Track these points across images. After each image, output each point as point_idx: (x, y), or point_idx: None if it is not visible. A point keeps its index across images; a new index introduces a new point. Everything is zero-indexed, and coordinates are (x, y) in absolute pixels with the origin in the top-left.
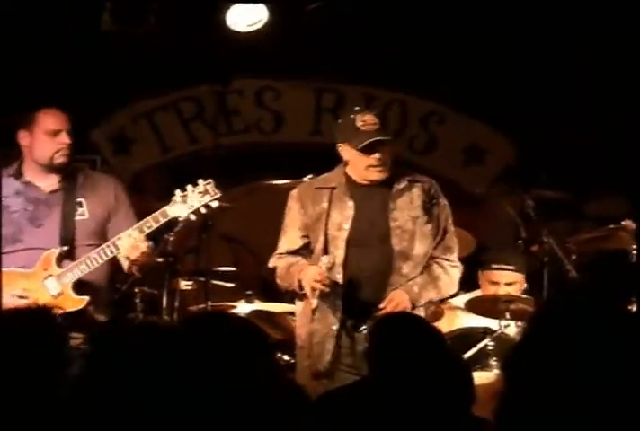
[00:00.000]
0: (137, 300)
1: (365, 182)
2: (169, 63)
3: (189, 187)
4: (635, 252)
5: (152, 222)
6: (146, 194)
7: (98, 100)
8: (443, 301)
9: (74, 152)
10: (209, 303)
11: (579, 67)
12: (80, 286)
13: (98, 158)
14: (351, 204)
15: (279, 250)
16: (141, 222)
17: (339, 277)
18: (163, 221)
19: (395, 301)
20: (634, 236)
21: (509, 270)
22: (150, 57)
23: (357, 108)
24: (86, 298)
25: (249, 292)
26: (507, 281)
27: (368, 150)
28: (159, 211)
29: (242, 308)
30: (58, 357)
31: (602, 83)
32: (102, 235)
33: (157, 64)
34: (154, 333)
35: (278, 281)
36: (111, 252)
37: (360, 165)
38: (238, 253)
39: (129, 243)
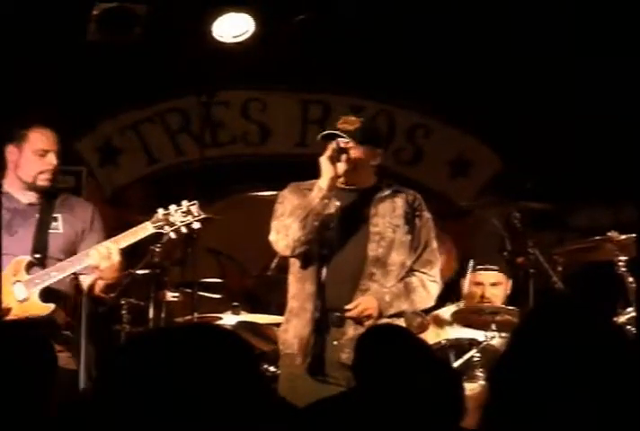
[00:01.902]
0: (124, 311)
1: (342, 185)
2: (155, 74)
3: (172, 206)
4: (620, 264)
5: (130, 236)
6: (129, 207)
7: (84, 110)
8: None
9: (57, 174)
10: (196, 315)
11: (564, 78)
12: (47, 294)
13: (84, 170)
14: (337, 203)
15: (280, 217)
16: (120, 235)
17: (323, 278)
18: (141, 236)
19: (363, 306)
20: (619, 247)
21: (493, 270)
22: (136, 68)
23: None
24: (52, 305)
25: (235, 303)
26: (492, 281)
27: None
28: (140, 226)
29: (228, 319)
30: (48, 373)
31: (589, 94)
32: (72, 253)
33: (143, 74)
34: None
35: (287, 221)
36: (84, 261)
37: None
38: (224, 265)
39: (102, 253)
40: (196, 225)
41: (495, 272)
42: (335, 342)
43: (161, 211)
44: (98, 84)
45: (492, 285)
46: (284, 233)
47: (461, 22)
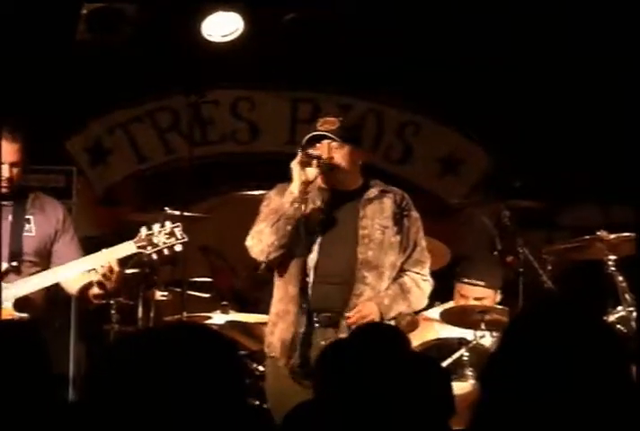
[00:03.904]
0: (113, 311)
1: (326, 186)
2: (145, 73)
3: (155, 226)
4: (610, 263)
5: (110, 254)
6: (122, 205)
7: (73, 110)
8: (417, 313)
9: (17, 182)
10: (185, 314)
11: (553, 76)
12: (21, 304)
13: (74, 169)
14: (318, 204)
15: (257, 227)
16: (100, 252)
17: (310, 281)
18: (122, 255)
19: (364, 312)
20: (609, 246)
21: (479, 286)
22: (126, 68)
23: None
24: (25, 316)
25: (224, 302)
26: (476, 296)
27: (311, 145)
28: (122, 245)
29: (217, 318)
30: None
31: (577, 92)
32: (46, 255)
33: (133, 73)
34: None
35: (260, 227)
36: (65, 273)
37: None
38: (214, 264)
39: (105, 267)
40: (178, 248)
41: (481, 288)
42: (323, 342)
43: (144, 231)
44: (87, 84)
45: (476, 299)
46: (258, 238)
47: (450, 20)
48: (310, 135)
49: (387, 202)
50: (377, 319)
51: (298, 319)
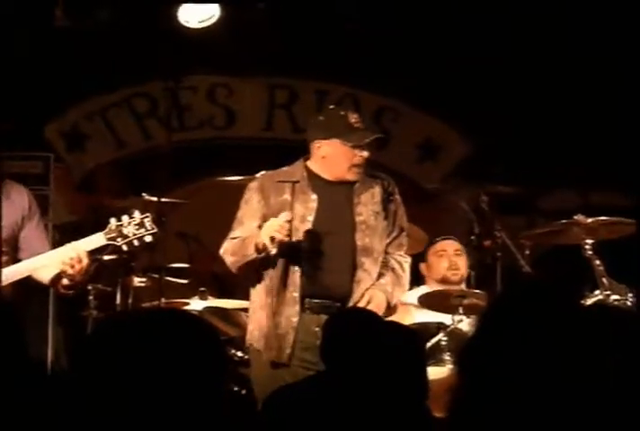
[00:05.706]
0: (91, 297)
1: (336, 180)
2: (122, 59)
3: (124, 217)
4: (587, 247)
5: (81, 246)
6: (100, 191)
7: (51, 96)
8: None
9: None
10: (163, 300)
11: (532, 62)
12: None
13: (52, 155)
14: (314, 197)
15: (232, 235)
16: (72, 243)
17: (298, 269)
18: (92, 247)
19: (374, 302)
20: (586, 231)
21: (454, 240)
22: (103, 53)
23: (332, 106)
24: None
25: (203, 288)
26: (455, 249)
27: (362, 147)
28: (92, 236)
29: (195, 304)
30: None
31: (555, 78)
32: (13, 243)
33: (110, 60)
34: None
35: (231, 259)
36: (36, 265)
37: (344, 164)
38: (192, 250)
39: (72, 258)
40: (148, 239)
41: (455, 242)
42: (317, 329)
43: (114, 222)
44: (65, 70)
45: (455, 253)
46: (227, 255)
47: (428, 4)
48: (374, 137)
49: (377, 188)
50: (384, 308)
51: (286, 308)
